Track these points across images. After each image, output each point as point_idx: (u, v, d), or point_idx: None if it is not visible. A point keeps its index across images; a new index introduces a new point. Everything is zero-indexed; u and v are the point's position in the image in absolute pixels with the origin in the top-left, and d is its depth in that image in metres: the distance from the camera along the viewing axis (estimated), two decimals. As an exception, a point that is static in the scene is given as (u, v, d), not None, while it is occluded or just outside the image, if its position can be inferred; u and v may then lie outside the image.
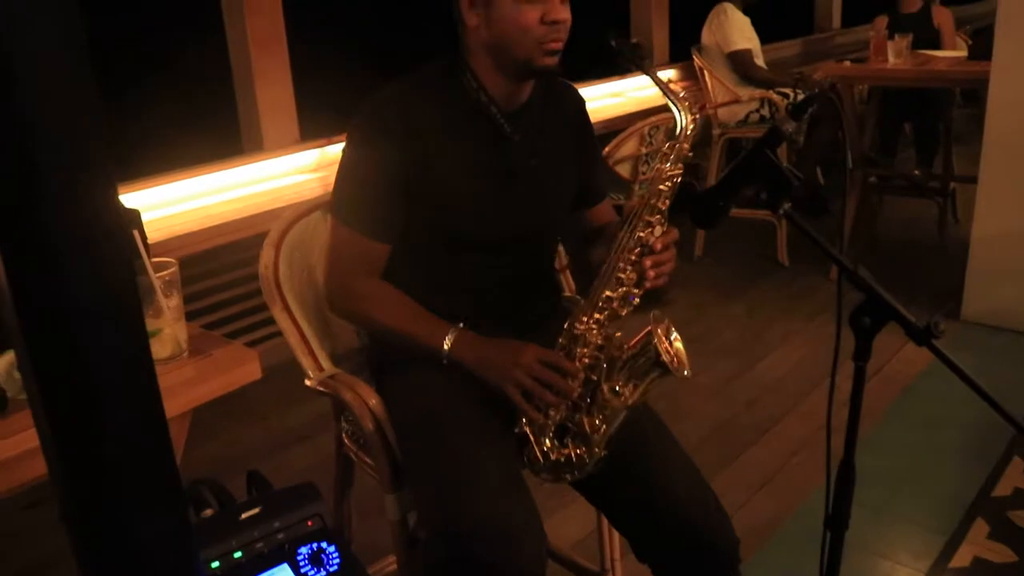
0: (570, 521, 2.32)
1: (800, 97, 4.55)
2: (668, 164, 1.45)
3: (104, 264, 0.72)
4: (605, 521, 1.86)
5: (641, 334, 1.42)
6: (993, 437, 2.70)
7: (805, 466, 2.64)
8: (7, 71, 0.64)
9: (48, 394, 0.74)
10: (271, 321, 1.71)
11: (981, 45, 3.64)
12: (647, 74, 1.45)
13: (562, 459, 1.49)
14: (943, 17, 4.67)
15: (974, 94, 4.24)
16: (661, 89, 1.43)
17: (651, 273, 1.43)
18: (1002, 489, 2.48)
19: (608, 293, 1.47)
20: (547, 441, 1.49)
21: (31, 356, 0.72)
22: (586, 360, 1.47)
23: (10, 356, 1.23)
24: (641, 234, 1.45)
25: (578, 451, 1.47)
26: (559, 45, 1.48)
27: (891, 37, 4.07)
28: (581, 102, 1.74)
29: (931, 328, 1.08)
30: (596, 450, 1.46)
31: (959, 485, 2.50)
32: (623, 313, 1.48)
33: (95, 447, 0.75)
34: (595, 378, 1.45)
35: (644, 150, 3.98)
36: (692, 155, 1.46)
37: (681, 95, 1.43)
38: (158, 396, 0.82)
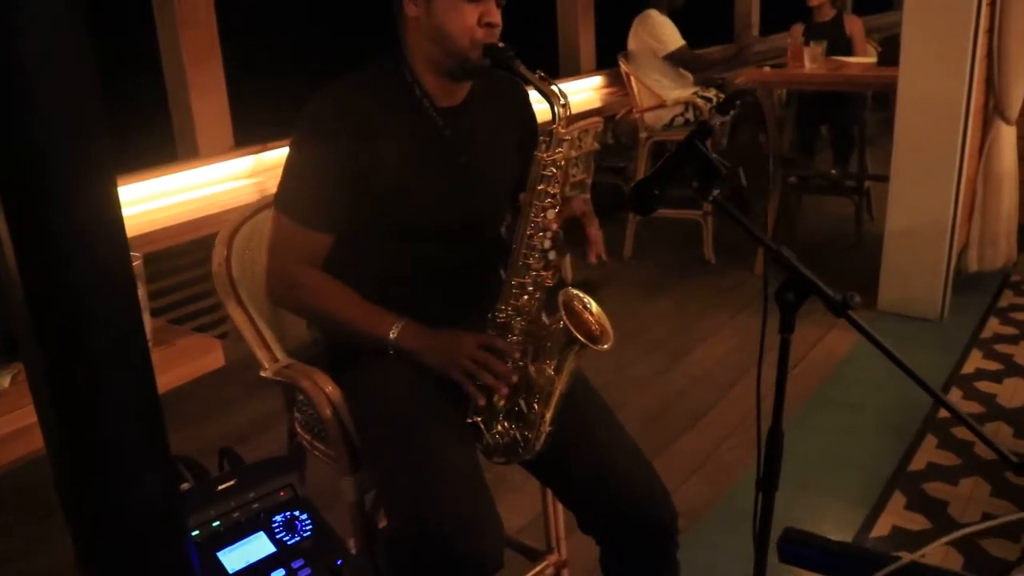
0: (514, 508, 2.40)
1: (722, 99, 4.74)
2: (548, 152, 1.54)
3: (106, 252, 0.78)
4: (550, 502, 1.95)
5: (558, 315, 1.50)
6: (908, 417, 2.88)
7: (736, 451, 2.78)
8: (18, 70, 0.70)
9: (49, 369, 0.80)
10: (224, 319, 1.76)
11: (890, 52, 3.85)
12: (516, 72, 1.53)
13: (511, 441, 1.57)
14: (854, 26, 4.91)
15: (885, 98, 4.46)
16: (532, 83, 1.52)
17: (593, 250, 1.54)
18: (917, 464, 2.65)
19: (518, 280, 1.56)
20: (497, 426, 1.57)
21: (35, 331, 0.78)
22: (515, 344, 1.56)
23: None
24: (537, 219, 1.54)
25: (525, 432, 1.56)
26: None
27: (807, 44, 4.27)
28: (525, 94, 1.81)
29: (847, 300, 1.19)
30: (541, 428, 1.55)
31: (878, 461, 2.67)
32: (539, 296, 1.57)
33: (92, 420, 0.81)
34: (523, 361, 1.54)
35: (574, 153, 4.09)
36: (568, 139, 1.54)
37: (552, 87, 1.51)
38: (151, 372, 0.88)
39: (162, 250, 3.05)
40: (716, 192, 1.26)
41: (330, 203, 1.60)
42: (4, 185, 0.72)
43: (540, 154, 1.53)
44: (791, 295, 1.24)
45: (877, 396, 3.05)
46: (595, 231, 1.62)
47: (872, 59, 4.44)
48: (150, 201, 3.29)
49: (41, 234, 0.74)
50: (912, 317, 3.67)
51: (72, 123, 0.75)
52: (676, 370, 3.40)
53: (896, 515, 2.40)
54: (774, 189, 4.29)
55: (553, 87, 1.51)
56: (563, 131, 1.53)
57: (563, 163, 1.55)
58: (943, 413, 2.83)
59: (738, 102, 1.27)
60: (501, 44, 1.56)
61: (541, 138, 1.55)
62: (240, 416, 3.02)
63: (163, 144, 3.70)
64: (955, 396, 3.03)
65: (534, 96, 1.63)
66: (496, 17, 1.56)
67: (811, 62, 4.13)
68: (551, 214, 1.55)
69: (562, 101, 1.51)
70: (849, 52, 4.79)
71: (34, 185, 0.74)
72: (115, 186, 0.78)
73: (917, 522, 2.37)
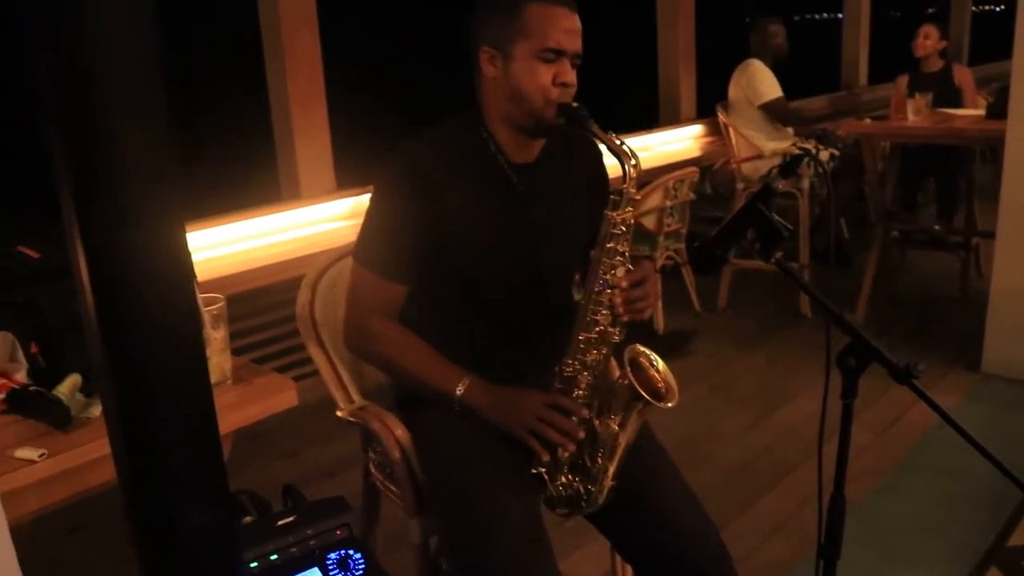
0: (586, 560, 2.40)
1: (822, 152, 4.67)
2: (618, 211, 1.55)
3: (173, 296, 0.85)
4: (618, 559, 1.94)
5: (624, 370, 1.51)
6: (1009, 487, 2.72)
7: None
8: (99, 123, 0.77)
9: (122, 405, 0.86)
10: (306, 361, 1.83)
11: (1000, 104, 3.73)
12: (589, 130, 1.56)
13: (574, 494, 1.59)
14: (963, 76, 4.78)
15: (997, 151, 4.32)
16: (604, 143, 1.54)
17: (620, 310, 1.53)
18: (1017, 539, 2.51)
19: (585, 335, 1.57)
20: (560, 478, 1.59)
21: (111, 373, 0.85)
22: (581, 400, 1.57)
23: (74, 378, 1.36)
24: (606, 276, 1.55)
25: (588, 485, 1.57)
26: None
27: (912, 95, 4.18)
28: (598, 153, 1.85)
29: (910, 368, 1.17)
30: (605, 482, 1.56)
31: (973, 533, 2.54)
32: (606, 352, 1.58)
33: (159, 451, 0.87)
34: (589, 415, 1.56)
35: (669, 203, 4.10)
36: (639, 199, 1.55)
37: (624, 147, 1.53)
38: (212, 410, 0.95)
39: (261, 287, 3.19)
40: (778, 254, 1.26)
41: (405, 256, 1.65)
42: (83, 229, 0.79)
43: (610, 212, 1.56)
44: (853, 360, 1.23)
45: (975, 463, 2.89)
46: (628, 292, 1.57)
47: (980, 111, 4.31)
48: (253, 240, 3.46)
49: (115, 276, 0.81)
50: (1019, 380, 3.49)
51: (145, 171, 0.82)
52: (764, 426, 3.33)
53: (988, 591, 2.29)
54: (875, 243, 4.19)
55: (624, 147, 1.54)
56: (633, 191, 1.55)
57: (632, 222, 1.57)
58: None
59: (799, 167, 1.27)
60: (575, 104, 1.60)
61: (612, 197, 1.57)
62: (326, 453, 3.11)
63: (272, 185, 3.88)
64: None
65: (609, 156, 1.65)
66: (570, 77, 1.60)
67: (914, 114, 4.03)
68: (620, 271, 1.57)
69: (633, 161, 1.53)
70: (959, 104, 4.67)
71: (110, 230, 0.81)
72: (183, 231, 0.85)
73: (1011, 600, 2.25)
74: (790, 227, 1.22)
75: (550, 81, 1.58)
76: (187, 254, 0.86)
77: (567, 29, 1.58)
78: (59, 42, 0.78)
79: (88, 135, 0.81)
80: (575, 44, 1.60)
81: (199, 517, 0.90)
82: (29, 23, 0.75)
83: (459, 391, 1.60)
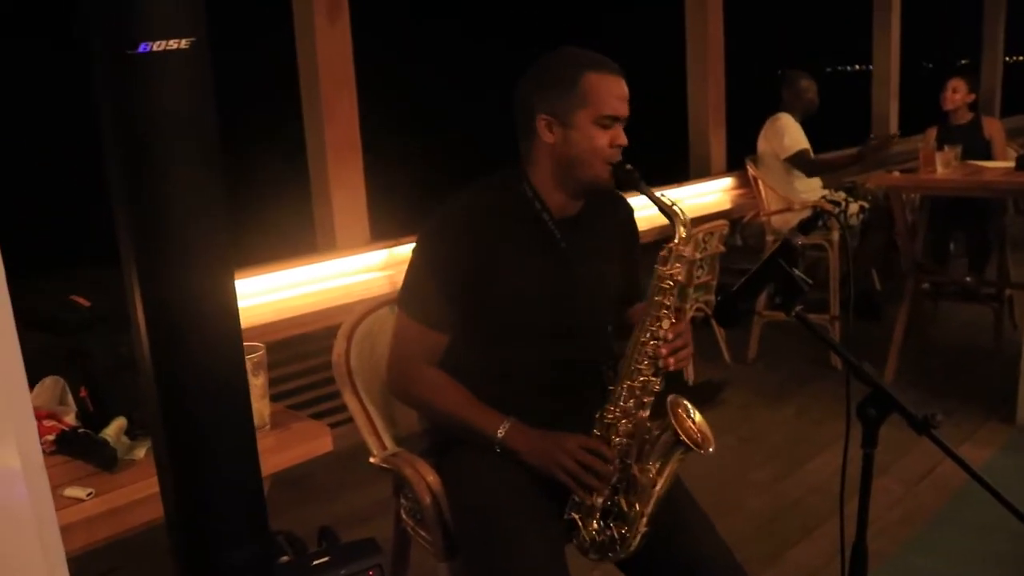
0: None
1: (851, 204, 4.69)
2: (667, 266, 1.62)
3: (224, 343, 0.91)
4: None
5: (665, 419, 1.57)
6: (1041, 543, 2.70)
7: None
8: (160, 174, 0.84)
9: (171, 448, 0.92)
10: (340, 409, 1.88)
11: (1030, 156, 3.74)
12: (642, 191, 1.65)
13: (607, 539, 1.62)
14: (994, 128, 4.79)
15: (1029, 203, 4.32)
16: (656, 203, 1.61)
17: (669, 360, 1.60)
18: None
19: (629, 383, 1.63)
20: (594, 523, 1.63)
21: (162, 418, 0.91)
22: (619, 446, 1.62)
23: (120, 422, 1.43)
24: (652, 328, 1.62)
25: (621, 530, 1.61)
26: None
27: (940, 148, 4.20)
28: (630, 211, 1.94)
29: (928, 419, 1.19)
30: (638, 528, 1.59)
31: (1005, 590, 2.52)
32: (646, 400, 1.63)
33: (205, 490, 0.93)
34: (628, 461, 1.60)
35: (699, 255, 4.13)
36: (687, 256, 1.62)
37: (674, 207, 1.61)
38: (255, 452, 1.00)
39: (298, 335, 3.26)
40: (799, 308, 1.30)
41: (448, 306, 1.72)
42: (140, 276, 0.86)
43: (660, 267, 1.62)
44: (872, 410, 1.26)
45: (1009, 517, 2.87)
46: (673, 342, 1.64)
47: (1011, 163, 4.31)
48: (290, 289, 3.53)
49: (169, 321, 0.87)
50: (1054, 434, 3.46)
51: (201, 220, 0.88)
52: (793, 478, 3.31)
53: (1021, 649, 2.26)
54: (906, 295, 4.19)
55: (675, 207, 1.61)
56: (682, 248, 1.61)
57: (680, 278, 1.63)
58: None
59: (820, 222, 1.32)
60: (628, 166, 1.68)
61: (661, 253, 1.63)
62: (359, 498, 3.14)
63: (310, 235, 3.97)
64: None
65: (645, 201, 1.71)
66: (624, 139, 1.70)
67: (943, 167, 4.05)
68: (666, 323, 1.63)
69: (683, 220, 1.60)
70: (989, 156, 4.67)
71: (167, 277, 0.87)
72: (233, 282, 0.91)
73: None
74: (810, 281, 1.26)
75: (607, 145, 1.67)
76: (235, 302, 0.93)
77: (620, 96, 1.69)
78: (125, 97, 0.85)
79: (150, 184, 0.88)
80: (627, 109, 1.70)
81: (240, 555, 0.95)
82: (99, 76, 0.83)
83: (501, 433, 1.66)
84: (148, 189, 0.85)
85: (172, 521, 0.95)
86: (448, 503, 1.69)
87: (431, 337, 1.73)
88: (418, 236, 1.77)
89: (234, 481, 0.91)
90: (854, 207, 4.74)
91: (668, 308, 1.63)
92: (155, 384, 0.92)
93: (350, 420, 1.90)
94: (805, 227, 1.29)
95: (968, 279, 4.66)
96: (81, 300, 1.70)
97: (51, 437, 1.48)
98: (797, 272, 1.26)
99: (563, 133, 1.69)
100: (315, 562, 1.23)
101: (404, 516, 1.88)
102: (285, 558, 1.34)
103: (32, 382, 1.63)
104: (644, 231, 2.00)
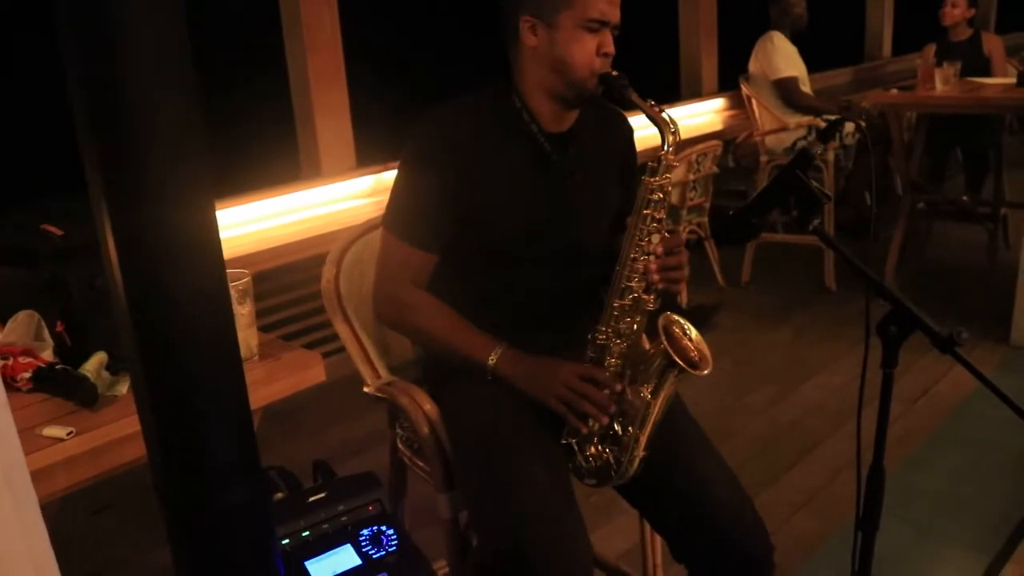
0: (616, 534, 2.38)
1: (846, 125, 4.59)
2: (657, 177, 1.52)
3: (205, 272, 0.83)
4: (648, 531, 1.92)
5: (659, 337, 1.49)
6: (1040, 460, 2.70)
7: (848, 486, 2.65)
8: (125, 96, 0.75)
9: (152, 382, 0.85)
10: (330, 339, 1.82)
11: (1031, 72, 3.65)
12: (629, 100, 1.54)
13: (604, 464, 1.57)
14: (993, 44, 4.68)
15: (1025, 121, 4.25)
16: (643, 110, 1.52)
17: (655, 277, 1.51)
18: (1049, 512, 2.48)
19: (619, 302, 1.55)
20: (591, 448, 1.57)
21: (139, 349, 0.83)
22: (613, 368, 1.55)
23: (100, 356, 1.35)
24: (642, 243, 1.53)
25: (619, 455, 1.55)
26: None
27: (939, 64, 4.10)
28: (630, 131, 1.83)
29: (953, 336, 1.13)
30: (636, 452, 1.54)
31: (1005, 506, 2.51)
32: (639, 320, 1.56)
33: (190, 427, 0.86)
34: (621, 385, 1.54)
35: (692, 177, 4.05)
36: (677, 165, 1.52)
37: (662, 114, 1.51)
38: (243, 384, 0.93)
39: (284, 265, 3.18)
40: (817, 222, 1.23)
41: (434, 223, 1.64)
42: (110, 204, 0.78)
43: (648, 178, 1.53)
44: (894, 328, 1.19)
45: (1007, 434, 2.86)
46: (664, 259, 1.54)
47: (1011, 80, 4.22)
48: (275, 218, 3.44)
49: (141, 248, 0.79)
50: (1049, 353, 3.44)
51: (174, 145, 0.80)
52: (789, 400, 3.30)
53: (1023, 565, 2.26)
54: (901, 215, 4.13)
55: (664, 115, 1.51)
56: (672, 157, 1.52)
57: (670, 189, 1.55)
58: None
59: (839, 128, 1.24)
60: (615, 72, 1.57)
61: (650, 163, 1.54)
62: (352, 430, 3.11)
63: (293, 163, 3.86)
64: (1095, 440, 2.83)
65: (645, 122, 1.62)
66: (612, 47, 1.58)
67: (943, 84, 3.95)
68: (656, 238, 1.55)
69: (672, 128, 1.51)
70: (988, 72, 4.57)
71: (138, 204, 0.79)
72: (212, 206, 0.83)
73: (1046, 573, 2.22)
74: (829, 194, 1.19)
75: (594, 51, 1.56)
76: (215, 229, 0.84)
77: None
78: (86, 16, 0.76)
79: (115, 108, 0.79)
80: (616, 14, 1.58)
81: (232, 493, 0.88)
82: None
83: (492, 360, 1.59)
84: (116, 117, 0.76)
85: (156, 462, 0.88)
86: (446, 432, 1.63)
87: (418, 257, 1.65)
88: (401, 151, 1.68)
89: (222, 416, 0.84)
90: (849, 127, 4.64)
91: (658, 222, 1.54)
92: (130, 318, 0.84)
93: (341, 351, 1.83)
94: (825, 135, 1.21)
95: (964, 198, 4.61)
96: (53, 229, 1.61)
97: (27, 374, 1.40)
98: (816, 185, 1.19)
99: (547, 35, 1.58)
100: (312, 498, 1.18)
101: (400, 447, 1.83)
102: (280, 495, 1.29)
103: (5, 317, 1.54)
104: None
